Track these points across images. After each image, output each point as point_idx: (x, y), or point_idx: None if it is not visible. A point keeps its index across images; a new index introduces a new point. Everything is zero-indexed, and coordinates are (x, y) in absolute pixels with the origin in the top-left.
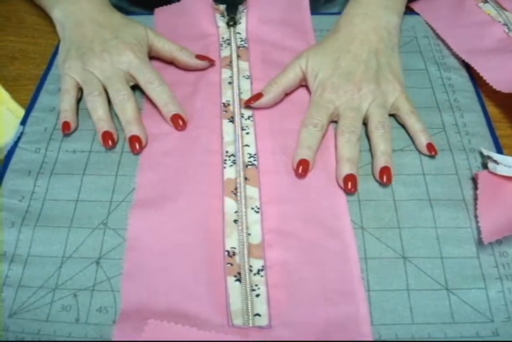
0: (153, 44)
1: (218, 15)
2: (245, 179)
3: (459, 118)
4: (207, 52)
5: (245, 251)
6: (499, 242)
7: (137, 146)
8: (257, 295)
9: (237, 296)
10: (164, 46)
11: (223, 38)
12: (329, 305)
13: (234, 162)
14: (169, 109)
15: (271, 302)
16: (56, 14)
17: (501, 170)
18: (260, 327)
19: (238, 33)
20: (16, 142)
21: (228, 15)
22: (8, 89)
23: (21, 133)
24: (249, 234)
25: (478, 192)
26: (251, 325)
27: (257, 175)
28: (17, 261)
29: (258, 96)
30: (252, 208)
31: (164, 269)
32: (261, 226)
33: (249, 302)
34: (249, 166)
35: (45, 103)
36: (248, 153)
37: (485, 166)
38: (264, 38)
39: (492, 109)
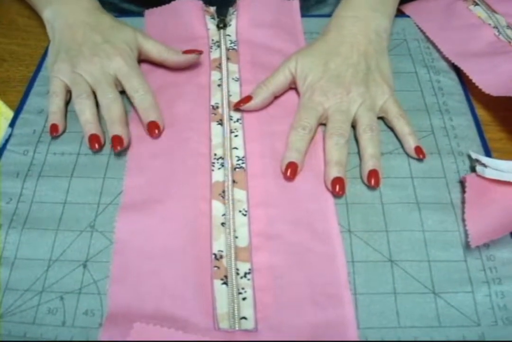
0: (142, 47)
1: (208, 17)
2: (233, 181)
3: (448, 121)
4: None
5: (232, 254)
6: (486, 245)
7: (118, 147)
8: (244, 299)
9: (224, 300)
10: (153, 49)
11: (213, 40)
12: (315, 308)
13: (222, 165)
14: (147, 116)
15: (257, 305)
16: (47, 14)
17: (489, 173)
18: (246, 331)
19: (228, 35)
20: (4, 145)
21: (218, 17)
22: None
23: (10, 135)
24: (237, 237)
25: (466, 195)
26: (237, 328)
27: (245, 178)
28: (4, 264)
29: (247, 99)
30: (240, 211)
31: (151, 272)
32: (248, 229)
33: (235, 305)
34: (237, 169)
35: (34, 105)
36: (237, 156)
37: (473, 169)
38: (254, 40)
39: (481, 113)
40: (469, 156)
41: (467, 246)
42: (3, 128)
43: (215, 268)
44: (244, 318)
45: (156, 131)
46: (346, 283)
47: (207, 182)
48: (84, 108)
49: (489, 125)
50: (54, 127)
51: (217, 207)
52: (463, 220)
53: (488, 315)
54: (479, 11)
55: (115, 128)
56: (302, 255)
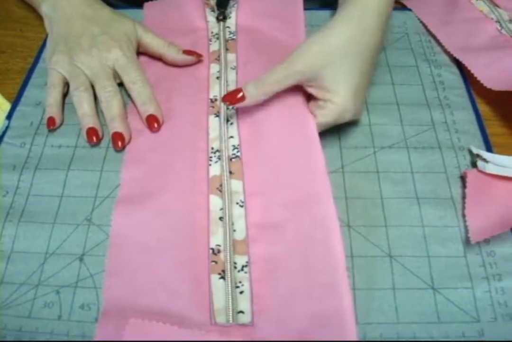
0: (141, 39)
1: (208, 10)
2: (230, 173)
3: (449, 115)
4: (196, 47)
5: (230, 248)
6: (486, 241)
7: (120, 143)
8: (241, 292)
9: (221, 294)
10: (152, 42)
11: (212, 32)
12: (312, 299)
13: (219, 158)
14: (146, 109)
15: (254, 298)
16: (45, 8)
17: (490, 169)
18: (242, 325)
19: (228, 27)
20: (1, 137)
21: (218, 9)
22: None
23: (7, 127)
24: (234, 230)
25: (467, 190)
26: (233, 322)
27: (241, 167)
28: (0, 257)
29: (240, 98)
30: (237, 203)
31: (147, 266)
32: (245, 221)
33: (232, 299)
34: (233, 160)
35: (31, 97)
36: (232, 146)
37: (474, 164)
38: (253, 29)
39: (482, 107)
40: (470, 151)
41: (467, 242)
42: (0, 121)
43: (213, 263)
44: (241, 312)
45: (156, 124)
46: (344, 271)
47: (204, 177)
48: (82, 101)
49: (491, 120)
50: (51, 120)
51: (215, 201)
52: (463, 215)
53: (488, 311)
54: (481, 5)
55: (116, 124)
56: (298, 243)
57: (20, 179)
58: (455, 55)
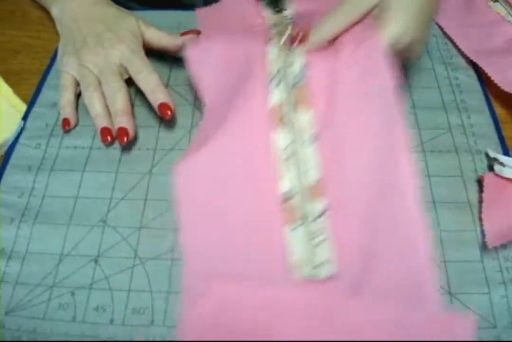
0: (144, 35)
1: (262, 6)
2: (295, 102)
3: (466, 119)
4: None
5: (303, 192)
6: (503, 246)
7: (125, 139)
8: (318, 242)
9: (298, 246)
10: (154, 36)
11: (270, 23)
12: (396, 252)
13: (278, 84)
14: (156, 98)
15: (335, 248)
16: (55, 12)
17: (507, 172)
18: (323, 278)
19: (285, 16)
20: (16, 138)
21: (271, 8)
22: (10, 83)
23: (22, 128)
24: (306, 171)
25: (483, 194)
26: (313, 275)
27: (307, 95)
28: (15, 258)
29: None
30: (306, 139)
31: (218, 228)
32: (317, 160)
33: (309, 251)
34: (298, 84)
35: (47, 99)
36: (295, 70)
37: (491, 168)
38: (310, 14)
39: (499, 110)
40: (487, 155)
41: (484, 246)
42: (16, 122)
43: (285, 212)
44: (321, 263)
45: (169, 112)
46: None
47: (263, 109)
48: (93, 102)
49: (507, 123)
50: (66, 121)
51: (278, 137)
52: (480, 220)
53: (505, 316)
54: (499, 8)
55: (120, 119)
56: (371, 182)
57: (35, 180)
58: (472, 58)
